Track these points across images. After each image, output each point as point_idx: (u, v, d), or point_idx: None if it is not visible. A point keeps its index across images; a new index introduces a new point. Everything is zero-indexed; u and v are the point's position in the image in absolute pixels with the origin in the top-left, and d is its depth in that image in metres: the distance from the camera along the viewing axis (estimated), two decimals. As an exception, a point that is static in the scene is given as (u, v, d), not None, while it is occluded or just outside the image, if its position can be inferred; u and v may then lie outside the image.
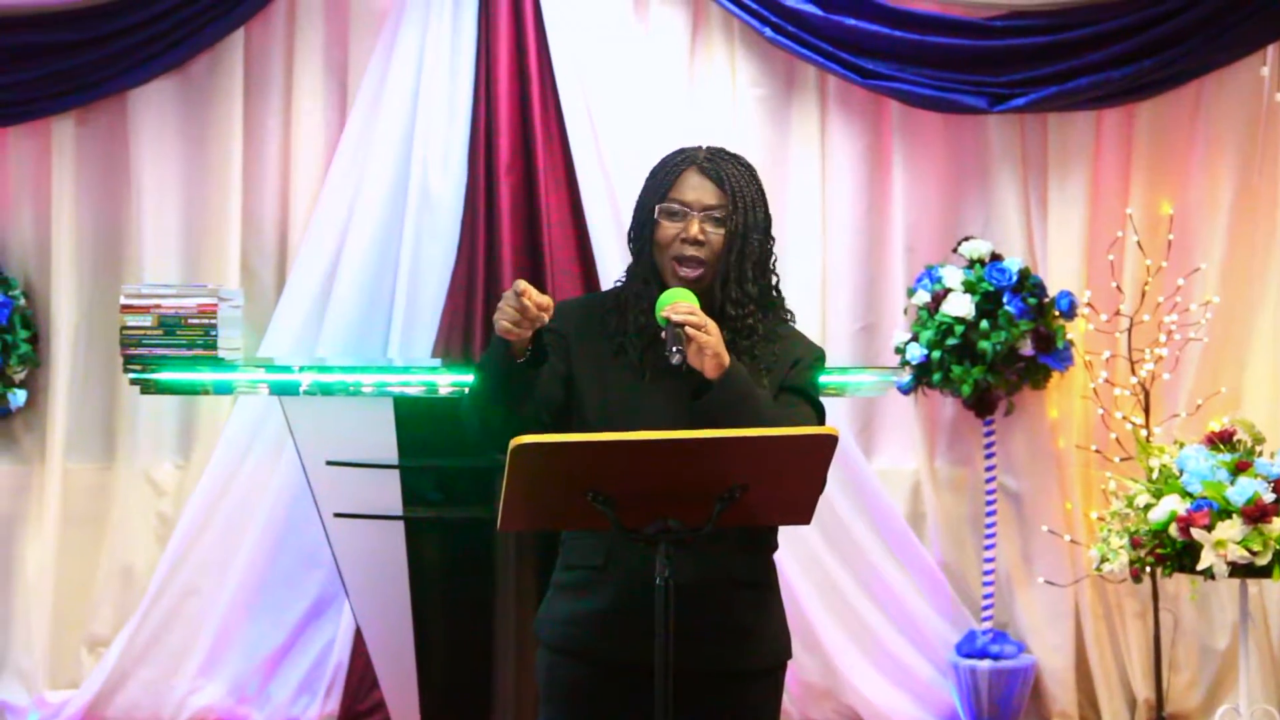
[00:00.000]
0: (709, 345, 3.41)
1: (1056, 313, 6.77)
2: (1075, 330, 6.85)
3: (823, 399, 3.71)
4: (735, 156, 3.69)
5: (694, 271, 3.58)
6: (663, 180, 3.62)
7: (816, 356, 3.72)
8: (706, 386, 3.46)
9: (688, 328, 3.39)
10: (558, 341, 3.60)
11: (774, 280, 3.70)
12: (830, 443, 3.29)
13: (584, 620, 3.57)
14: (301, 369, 5.66)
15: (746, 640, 3.62)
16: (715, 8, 7.00)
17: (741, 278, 3.61)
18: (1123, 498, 5.95)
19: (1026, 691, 6.85)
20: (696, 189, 3.60)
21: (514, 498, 3.25)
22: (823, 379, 3.78)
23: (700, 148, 3.68)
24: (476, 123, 6.90)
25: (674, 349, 3.38)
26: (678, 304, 3.45)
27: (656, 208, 3.60)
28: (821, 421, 3.64)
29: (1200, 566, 5.56)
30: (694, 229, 3.57)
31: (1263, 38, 6.83)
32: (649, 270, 3.62)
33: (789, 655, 3.72)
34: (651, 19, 7.05)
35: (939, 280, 6.78)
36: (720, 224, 3.59)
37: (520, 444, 3.17)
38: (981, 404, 6.81)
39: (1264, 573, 5.61)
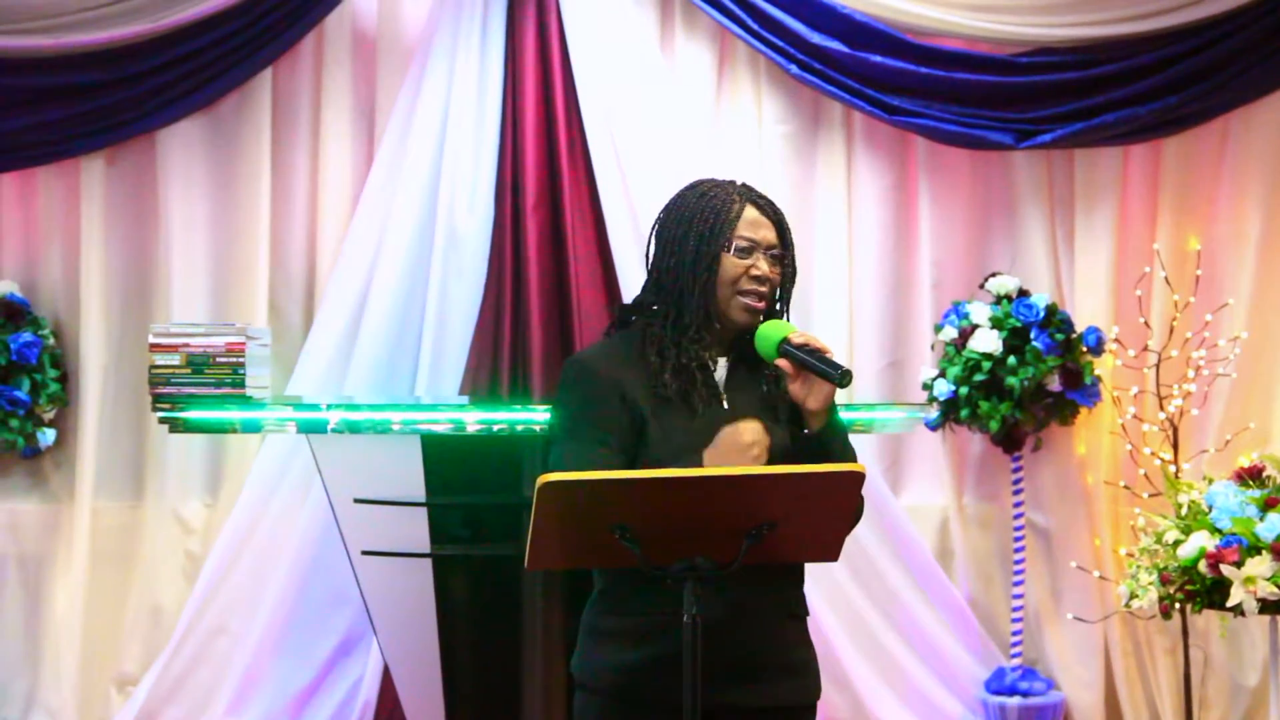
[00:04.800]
0: None
1: (1084, 348, 6.76)
2: (1103, 366, 6.84)
3: (851, 435, 3.73)
4: (759, 190, 3.73)
5: (760, 304, 3.60)
6: (728, 219, 3.60)
7: None
8: (794, 420, 3.55)
9: (828, 354, 3.49)
10: (611, 390, 3.57)
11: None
12: (858, 480, 3.31)
13: (650, 667, 3.51)
14: (329, 407, 5.66)
15: (800, 674, 3.64)
16: (741, 45, 7.02)
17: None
18: (1151, 534, 5.93)
19: (1056, 729, 6.84)
20: (760, 226, 3.62)
21: (541, 535, 3.24)
22: (850, 415, 3.81)
23: (734, 182, 3.70)
24: (503, 161, 6.92)
25: (841, 371, 3.45)
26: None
27: (731, 246, 3.59)
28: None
29: (1230, 603, 5.53)
30: (764, 266, 3.60)
31: (1290, 74, 6.85)
32: (707, 306, 3.60)
33: (821, 688, 3.73)
34: (677, 57, 7.07)
35: (966, 316, 6.78)
36: (777, 260, 3.64)
37: (547, 481, 3.17)
38: (1009, 440, 6.79)
39: (1294, 609, 5.59)
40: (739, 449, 3.45)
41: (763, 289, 3.60)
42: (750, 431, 3.50)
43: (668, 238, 3.66)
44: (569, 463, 3.47)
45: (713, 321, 3.60)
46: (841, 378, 3.44)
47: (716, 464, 3.44)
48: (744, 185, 3.69)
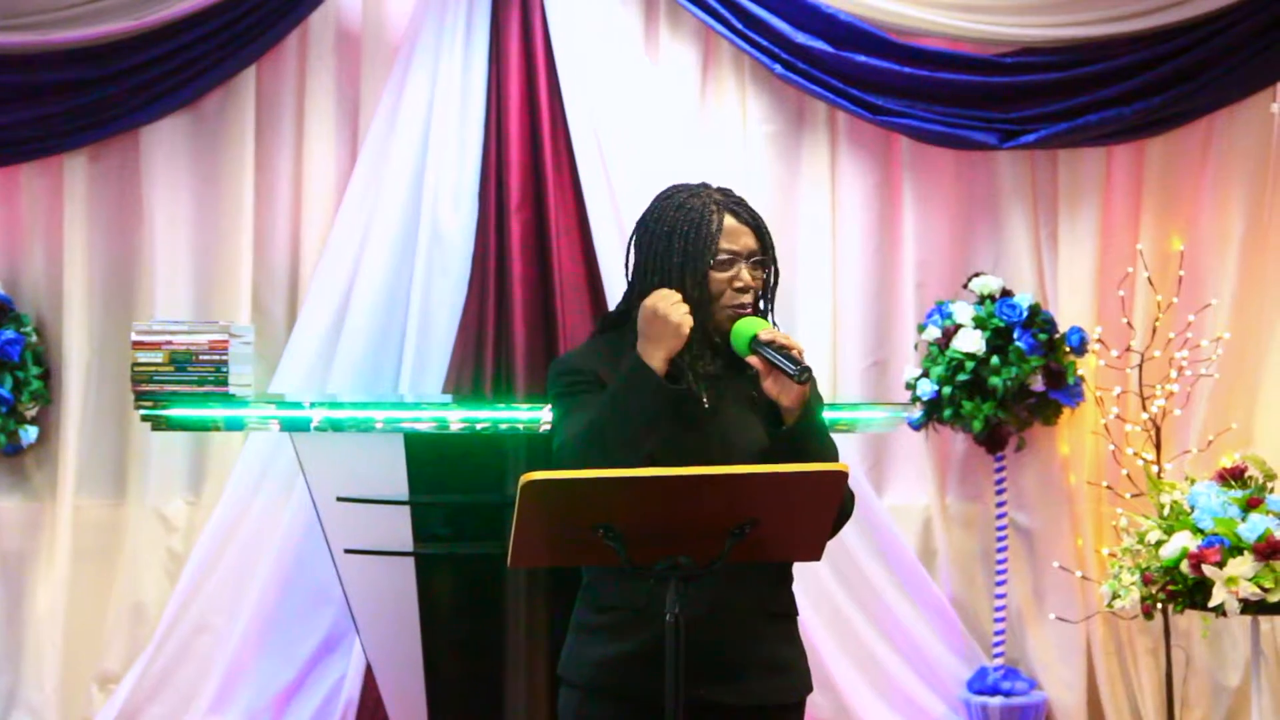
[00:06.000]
0: None
1: (1067, 348, 6.77)
2: (1086, 366, 6.85)
3: (833, 435, 3.73)
4: (735, 193, 3.71)
5: (746, 312, 3.60)
6: (709, 232, 3.58)
7: (814, 382, 3.72)
8: (774, 418, 3.55)
9: (795, 350, 3.46)
10: (592, 386, 3.58)
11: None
12: (840, 479, 3.31)
13: (627, 660, 3.53)
14: (312, 405, 5.66)
15: (783, 673, 3.63)
16: (726, 44, 7.02)
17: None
18: (1134, 534, 5.94)
19: (1038, 728, 6.85)
20: (740, 235, 3.61)
21: (524, 534, 3.24)
22: (834, 415, 3.80)
23: (710, 188, 3.67)
24: (487, 159, 6.91)
25: (800, 368, 3.44)
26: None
27: (712, 261, 3.57)
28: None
29: (1212, 603, 5.54)
30: (746, 276, 3.59)
31: (1273, 74, 6.85)
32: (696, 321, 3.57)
33: (811, 688, 3.73)
34: (662, 56, 7.07)
35: (949, 316, 6.78)
36: (759, 265, 3.63)
37: (531, 480, 3.16)
38: (992, 440, 6.80)
39: (1276, 609, 5.59)
40: None
41: (747, 298, 3.60)
42: None
43: (648, 252, 3.64)
44: (573, 427, 3.50)
45: (697, 334, 3.59)
46: (799, 374, 3.43)
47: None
48: (719, 191, 3.67)
